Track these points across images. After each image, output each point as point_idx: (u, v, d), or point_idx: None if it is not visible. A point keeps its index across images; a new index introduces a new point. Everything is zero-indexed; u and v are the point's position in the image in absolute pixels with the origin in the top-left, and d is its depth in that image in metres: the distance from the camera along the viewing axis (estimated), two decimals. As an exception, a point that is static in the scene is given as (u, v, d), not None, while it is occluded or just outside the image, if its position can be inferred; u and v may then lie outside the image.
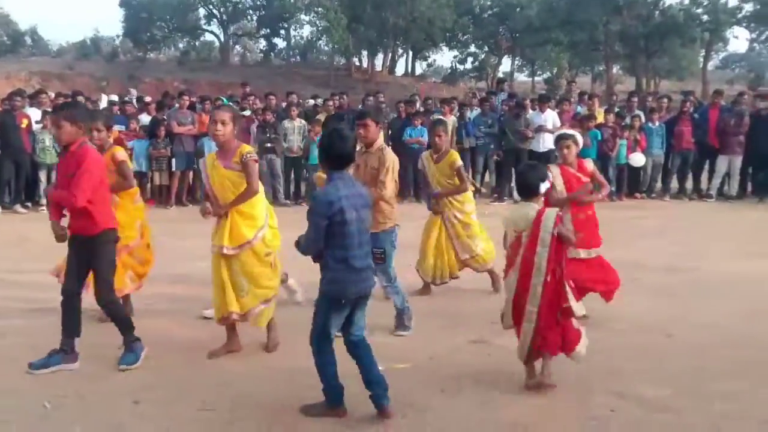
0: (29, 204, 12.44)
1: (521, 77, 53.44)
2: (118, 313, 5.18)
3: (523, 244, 4.59)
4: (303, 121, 13.71)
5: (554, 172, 5.82)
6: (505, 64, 50.22)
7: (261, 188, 5.35)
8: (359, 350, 4.31)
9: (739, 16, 41.56)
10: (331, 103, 14.60)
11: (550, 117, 13.91)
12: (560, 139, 6.11)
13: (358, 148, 5.78)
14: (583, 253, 5.87)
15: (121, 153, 6.01)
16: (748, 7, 41.23)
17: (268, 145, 13.24)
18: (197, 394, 4.63)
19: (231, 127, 5.18)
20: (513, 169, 13.98)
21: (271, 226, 5.40)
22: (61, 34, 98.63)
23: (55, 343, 5.02)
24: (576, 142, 6.02)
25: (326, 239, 4.08)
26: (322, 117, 14.02)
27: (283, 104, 14.77)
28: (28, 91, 14.61)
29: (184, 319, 6.24)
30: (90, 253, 4.98)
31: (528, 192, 4.72)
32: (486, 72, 48.71)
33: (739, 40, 64.89)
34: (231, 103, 14.72)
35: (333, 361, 4.25)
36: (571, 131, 6.31)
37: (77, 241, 4.99)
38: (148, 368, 5.07)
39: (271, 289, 5.33)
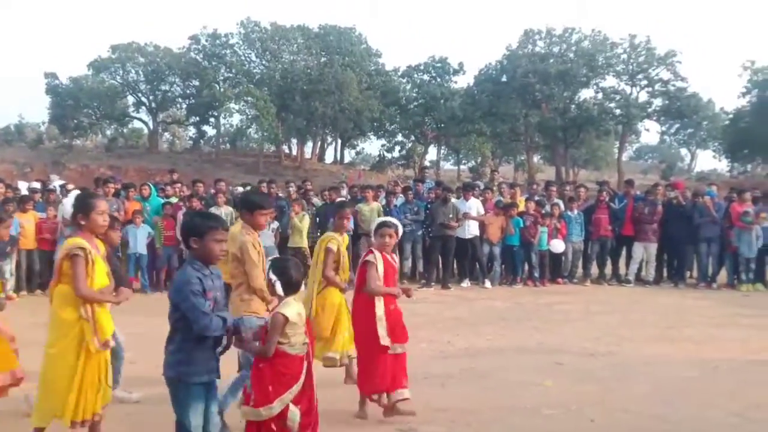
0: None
1: (447, 165, 55.04)
2: None
3: None
4: (230, 208, 13.69)
5: (377, 256, 5.88)
6: (432, 153, 51.68)
7: None
8: None
9: (650, 110, 44.12)
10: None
11: (474, 205, 14.30)
12: (383, 226, 5.99)
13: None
14: (399, 348, 5.81)
15: None
16: (658, 102, 43.85)
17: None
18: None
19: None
20: (440, 256, 14.30)
21: None
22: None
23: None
24: (397, 232, 5.98)
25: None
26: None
27: (212, 191, 14.77)
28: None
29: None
30: None
31: (293, 287, 4.48)
32: (413, 160, 49.93)
33: (650, 132, 68.70)
34: (158, 190, 14.67)
35: None
36: (394, 220, 6.21)
37: None
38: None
39: None
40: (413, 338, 7.04)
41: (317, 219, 14.04)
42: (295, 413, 4.23)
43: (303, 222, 13.54)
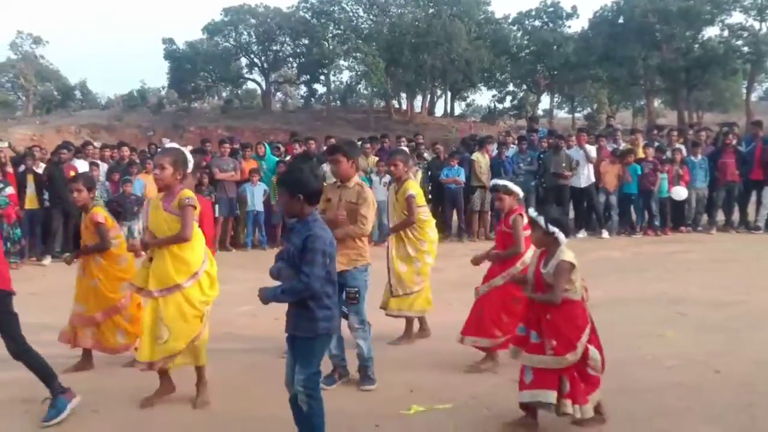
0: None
1: (561, 114, 53.39)
2: (34, 363, 4.88)
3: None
4: (342, 165, 13.86)
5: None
6: (545, 101, 50.26)
7: (200, 235, 5.25)
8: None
9: (781, 46, 41.02)
10: (369, 145, 14.74)
11: (590, 152, 13.84)
12: (493, 190, 5.95)
13: (331, 182, 5.80)
14: None
15: (99, 215, 6.02)
16: (790, 37, 40.73)
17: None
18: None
19: (171, 171, 5.08)
20: (554, 206, 13.97)
21: (209, 274, 5.21)
22: (109, 87, 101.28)
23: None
24: (509, 193, 5.81)
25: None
26: (362, 160, 14.18)
27: (324, 148, 14.97)
28: (77, 144, 15.09)
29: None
30: None
31: (568, 234, 4.70)
32: (525, 110, 48.77)
33: (782, 69, 63.86)
34: (272, 149, 15.00)
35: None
36: (503, 181, 5.98)
37: None
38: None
39: (187, 339, 5.08)
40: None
41: (429, 173, 14.02)
42: (595, 353, 4.43)
43: (417, 176, 13.56)
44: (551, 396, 4.32)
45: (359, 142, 16.26)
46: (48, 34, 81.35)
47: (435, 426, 4.54)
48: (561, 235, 4.49)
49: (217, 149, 14.13)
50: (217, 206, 13.37)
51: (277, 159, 14.32)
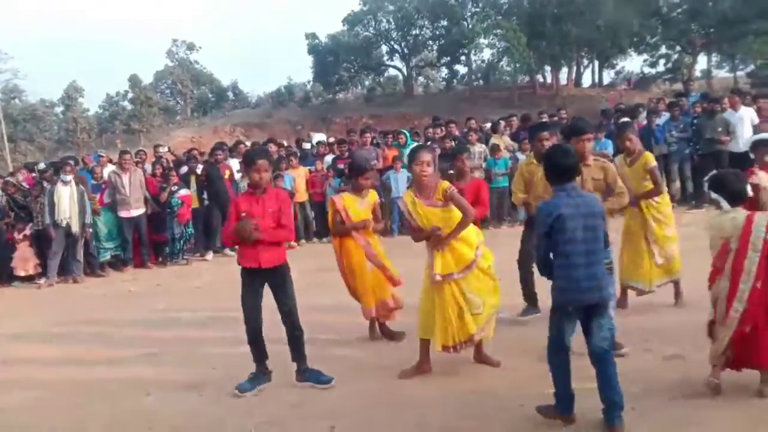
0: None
1: (721, 74, 49.95)
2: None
3: (733, 251, 4.50)
4: (483, 146, 13.74)
5: (761, 176, 5.43)
6: (702, 62, 47.20)
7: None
8: (598, 363, 4.32)
9: None
10: (503, 123, 14.52)
11: (746, 114, 12.92)
12: (761, 145, 5.70)
13: None
14: None
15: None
16: None
17: (450, 172, 13.36)
18: (389, 419, 4.79)
19: (433, 167, 5.41)
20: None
21: (483, 244, 5.58)
22: (258, 85, 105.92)
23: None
24: None
25: (553, 249, 4.23)
26: (497, 140, 13.98)
27: (464, 130, 14.91)
28: (230, 143, 15.92)
29: (370, 344, 6.53)
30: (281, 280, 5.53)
31: (737, 198, 4.60)
32: (681, 73, 46.03)
33: None
34: (412, 135, 15.11)
35: (565, 370, 4.33)
36: None
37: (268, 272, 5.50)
38: (343, 394, 5.32)
39: (496, 301, 5.55)
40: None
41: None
42: None
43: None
44: None
45: (499, 120, 16.07)
46: (200, 39, 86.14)
47: (582, 404, 4.42)
48: (723, 202, 4.63)
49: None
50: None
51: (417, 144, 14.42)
